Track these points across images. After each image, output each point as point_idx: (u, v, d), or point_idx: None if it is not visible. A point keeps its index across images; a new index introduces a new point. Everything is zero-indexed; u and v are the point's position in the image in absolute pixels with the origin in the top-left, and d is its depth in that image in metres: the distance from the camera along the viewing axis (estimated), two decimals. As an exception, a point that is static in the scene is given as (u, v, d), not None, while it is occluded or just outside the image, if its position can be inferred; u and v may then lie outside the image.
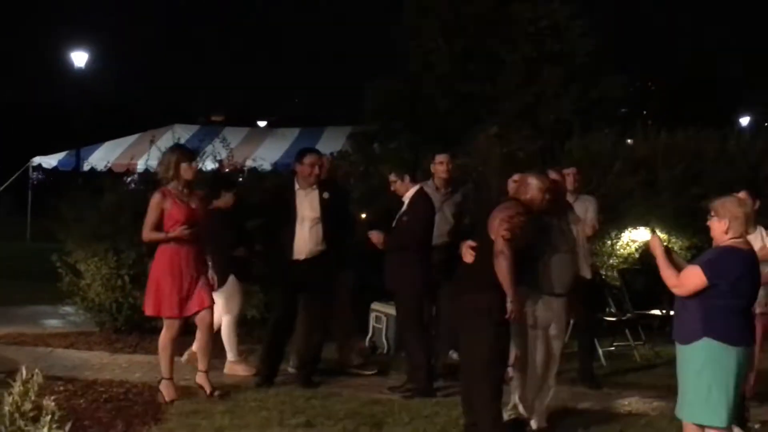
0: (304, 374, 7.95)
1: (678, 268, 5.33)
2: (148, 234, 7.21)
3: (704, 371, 5.12)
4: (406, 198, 7.91)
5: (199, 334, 7.38)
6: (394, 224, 7.93)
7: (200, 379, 7.34)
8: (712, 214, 5.27)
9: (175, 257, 7.10)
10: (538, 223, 6.54)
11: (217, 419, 6.62)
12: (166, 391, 7.14)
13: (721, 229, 5.21)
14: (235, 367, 8.34)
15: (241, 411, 6.91)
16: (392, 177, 8.04)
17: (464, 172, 11.11)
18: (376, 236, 7.95)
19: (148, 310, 7.29)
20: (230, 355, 8.43)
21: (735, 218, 5.17)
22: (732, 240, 5.18)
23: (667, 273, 5.31)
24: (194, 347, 8.13)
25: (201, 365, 7.37)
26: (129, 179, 13.39)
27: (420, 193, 7.96)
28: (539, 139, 13.75)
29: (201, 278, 7.24)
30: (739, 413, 5.27)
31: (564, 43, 20.64)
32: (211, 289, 7.35)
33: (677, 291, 5.29)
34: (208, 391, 7.25)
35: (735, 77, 34.25)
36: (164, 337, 7.22)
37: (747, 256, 5.19)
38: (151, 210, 7.13)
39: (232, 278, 8.30)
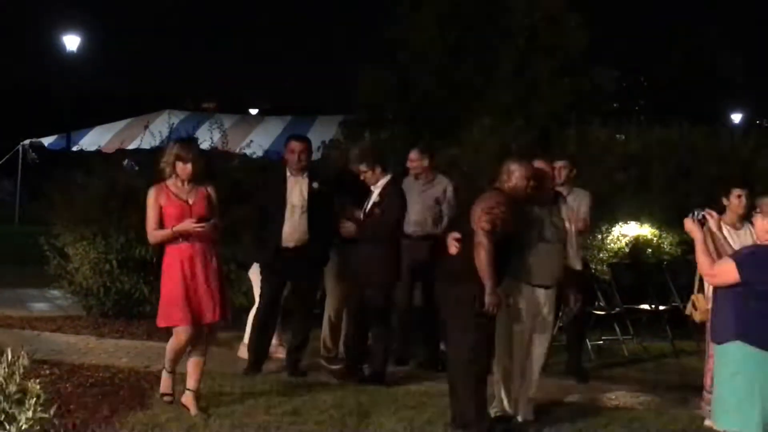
0: (292, 362, 7.92)
1: (719, 254, 5.22)
2: (152, 234, 6.53)
3: (738, 375, 4.95)
4: (377, 188, 7.80)
5: (193, 351, 6.57)
6: (364, 215, 7.82)
7: (186, 399, 6.55)
8: (758, 210, 5.16)
9: (182, 258, 6.41)
10: (524, 212, 6.52)
11: (202, 406, 6.56)
12: (163, 383, 6.68)
13: (763, 228, 5.07)
14: (245, 351, 8.23)
15: (228, 398, 6.88)
16: (363, 167, 7.88)
17: (455, 163, 11.10)
18: (346, 229, 7.85)
19: (160, 322, 6.55)
20: (246, 338, 8.37)
21: None
22: None
23: (702, 259, 5.16)
24: (245, 339, 8.28)
25: (190, 383, 6.58)
26: (126, 162, 13.25)
27: (392, 183, 7.85)
28: (532, 131, 13.75)
29: (214, 282, 6.51)
30: None
31: (558, 35, 20.62)
32: (227, 296, 6.68)
33: (709, 281, 5.21)
34: (193, 413, 6.42)
35: (728, 74, 34.26)
36: (173, 346, 6.54)
37: None
38: (149, 209, 6.49)
39: (255, 265, 8.33)
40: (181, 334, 6.44)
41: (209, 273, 6.48)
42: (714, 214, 5.47)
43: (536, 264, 6.56)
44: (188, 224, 6.38)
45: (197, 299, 6.41)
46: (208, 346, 6.67)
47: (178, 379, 6.70)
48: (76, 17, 46.78)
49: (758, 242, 5.15)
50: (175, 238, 6.42)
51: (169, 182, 6.55)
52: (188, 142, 7.14)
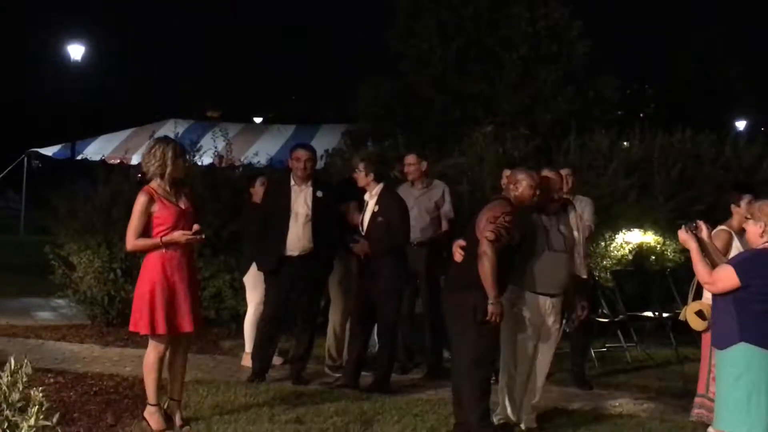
0: (295, 370, 7.94)
1: (713, 262, 5.28)
2: (133, 242, 6.20)
3: (742, 378, 4.98)
4: (372, 197, 7.74)
5: (172, 359, 6.37)
6: (366, 226, 7.72)
7: (170, 408, 6.40)
8: (748, 216, 5.23)
9: (167, 265, 6.14)
10: (530, 220, 6.53)
11: (206, 414, 6.60)
12: (151, 419, 6.23)
13: (756, 232, 5.12)
14: (249, 360, 8.25)
15: (232, 406, 6.88)
16: (360, 167, 7.75)
17: (459, 171, 11.12)
18: (360, 247, 7.70)
19: (142, 329, 6.15)
20: (248, 347, 8.46)
21: None
22: (767, 243, 5.09)
23: (699, 268, 5.23)
24: (247, 348, 8.38)
25: (173, 392, 6.43)
26: (131, 171, 13.33)
27: (388, 191, 7.82)
28: (536, 139, 13.76)
29: (192, 292, 6.32)
30: None
31: (561, 44, 20.68)
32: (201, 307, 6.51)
33: (709, 288, 5.24)
34: (177, 424, 6.29)
35: (732, 81, 34.19)
36: (151, 357, 6.23)
37: None
38: (137, 214, 6.12)
39: (253, 269, 8.34)
40: (160, 343, 6.21)
41: (188, 281, 6.26)
42: (706, 225, 5.52)
43: (542, 272, 6.55)
44: (181, 236, 6.13)
45: (175, 308, 6.16)
46: (184, 358, 6.47)
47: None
48: (81, 26, 46.84)
49: (752, 246, 5.19)
50: (162, 246, 6.14)
51: (155, 185, 6.22)
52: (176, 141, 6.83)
